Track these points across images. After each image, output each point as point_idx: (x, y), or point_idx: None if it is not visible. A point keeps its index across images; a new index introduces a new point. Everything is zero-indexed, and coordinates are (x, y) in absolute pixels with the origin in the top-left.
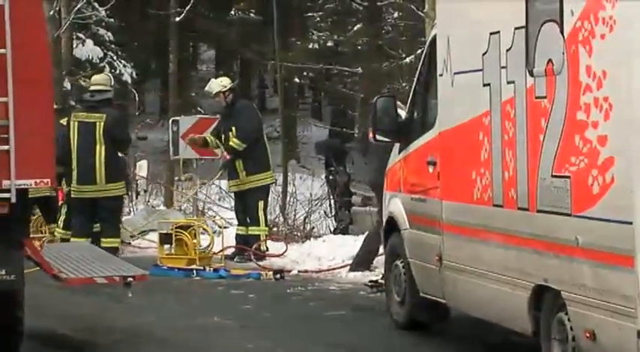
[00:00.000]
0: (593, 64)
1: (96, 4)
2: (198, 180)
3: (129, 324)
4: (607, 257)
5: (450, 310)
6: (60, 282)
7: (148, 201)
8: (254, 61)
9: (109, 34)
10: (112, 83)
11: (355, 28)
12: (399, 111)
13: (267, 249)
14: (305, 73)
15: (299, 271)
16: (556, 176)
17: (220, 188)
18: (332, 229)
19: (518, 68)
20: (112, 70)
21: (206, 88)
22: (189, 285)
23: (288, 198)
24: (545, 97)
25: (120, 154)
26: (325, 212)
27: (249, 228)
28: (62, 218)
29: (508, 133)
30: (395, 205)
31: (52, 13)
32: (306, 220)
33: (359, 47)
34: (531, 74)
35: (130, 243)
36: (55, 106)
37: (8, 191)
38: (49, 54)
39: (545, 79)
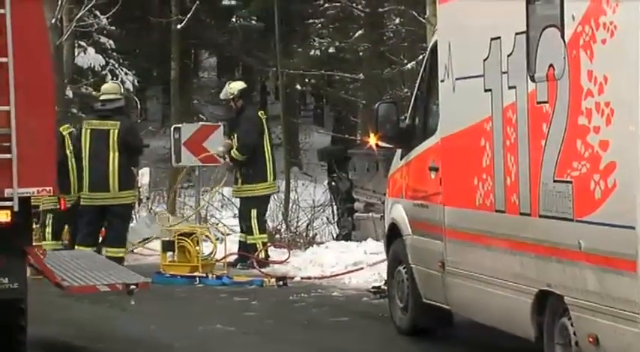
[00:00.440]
0: (595, 69)
1: (97, 12)
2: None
3: (131, 332)
4: (610, 261)
5: (454, 316)
6: (62, 290)
7: (151, 209)
8: (256, 68)
9: (111, 42)
10: (122, 91)
11: (357, 35)
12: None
13: (268, 257)
14: (307, 80)
15: (302, 278)
16: (558, 181)
17: (223, 195)
18: (334, 235)
19: (520, 73)
20: (114, 78)
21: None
22: (192, 293)
23: (290, 204)
24: (546, 102)
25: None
26: (328, 218)
27: (247, 236)
28: (48, 230)
29: (510, 139)
30: (397, 211)
31: (53, 21)
32: (309, 227)
33: (360, 53)
34: (532, 79)
35: (132, 251)
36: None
37: (10, 199)
38: (50, 62)
39: (547, 84)
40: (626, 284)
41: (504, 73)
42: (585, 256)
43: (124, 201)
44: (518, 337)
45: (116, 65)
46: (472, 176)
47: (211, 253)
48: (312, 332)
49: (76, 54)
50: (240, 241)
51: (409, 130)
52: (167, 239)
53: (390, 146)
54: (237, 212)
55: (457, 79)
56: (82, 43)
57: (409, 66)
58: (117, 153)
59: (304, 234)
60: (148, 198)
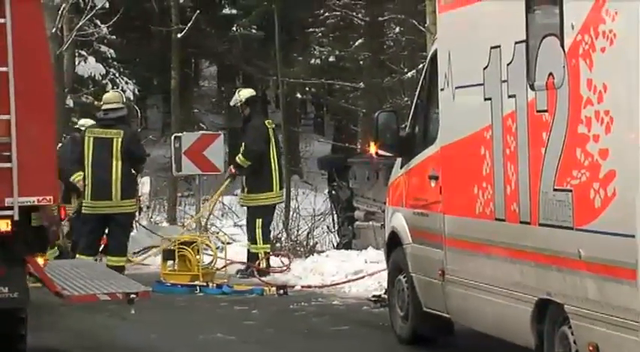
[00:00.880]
0: (594, 78)
1: (98, 22)
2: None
3: (132, 341)
4: (610, 270)
5: (454, 324)
6: (63, 299)
7: (151, 218)
8: (256, 77)
9: (111, 51)
10: (124, 100)
11: (357, 43)
12: None
13: (269, 266)
14: (307, 89)
15: (302, 286)
16: (558, 189)
17: (223, 204)
18: (335, 244)
19: (519, 82)
20: (114, 87)
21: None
22: (192, 302)
23: (291, 213)
24: (546, 111)
25: (133, 171)
26: (328, 227)
27: (250, 245)
28: None
29: (510, 147)
30: (397, 220)
31: (54, 30)
32: (309, 235)
33: (361, 62)
34: (532, 88)
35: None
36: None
37: (11, 208)
38: (51, 71)
39: (546, 93)
40: (627, 292)
41: (504, 81)
42: (585, 265)
43: (126, 210)
44: (519, 346)
45: (116, 74)
46: (472, 184)
47: (212, 262)
48: (312, 341)
49: (76, 63)
50: (248, 250)
51: (409, 139)
52: (167, 248)
53: (390, 155)
54: (237, 220)
55: (457, 87)
56: (83, 53)
57: (409, 75)
58: (120, 162)
59: (305, 243)
60: (148, 207)
